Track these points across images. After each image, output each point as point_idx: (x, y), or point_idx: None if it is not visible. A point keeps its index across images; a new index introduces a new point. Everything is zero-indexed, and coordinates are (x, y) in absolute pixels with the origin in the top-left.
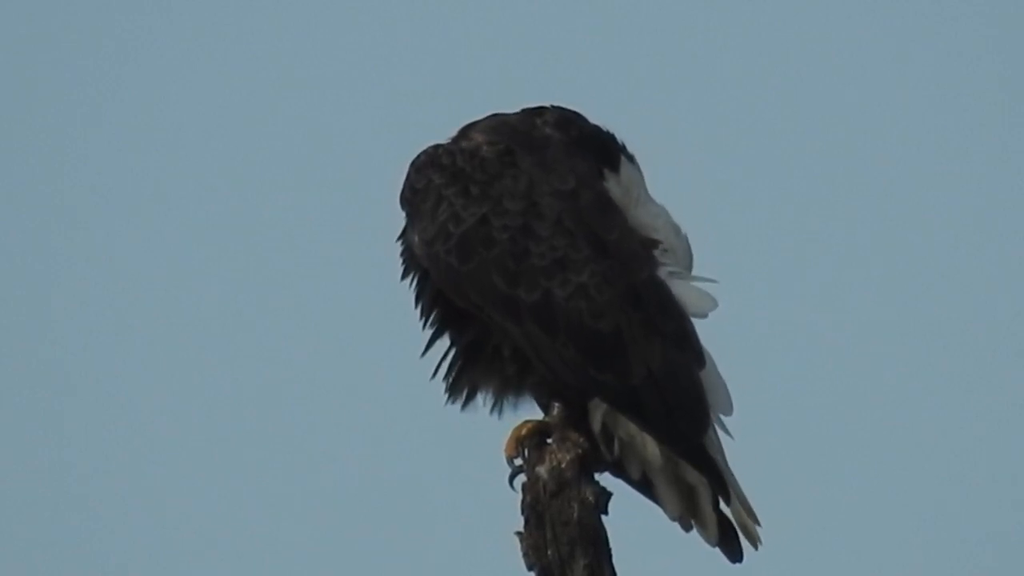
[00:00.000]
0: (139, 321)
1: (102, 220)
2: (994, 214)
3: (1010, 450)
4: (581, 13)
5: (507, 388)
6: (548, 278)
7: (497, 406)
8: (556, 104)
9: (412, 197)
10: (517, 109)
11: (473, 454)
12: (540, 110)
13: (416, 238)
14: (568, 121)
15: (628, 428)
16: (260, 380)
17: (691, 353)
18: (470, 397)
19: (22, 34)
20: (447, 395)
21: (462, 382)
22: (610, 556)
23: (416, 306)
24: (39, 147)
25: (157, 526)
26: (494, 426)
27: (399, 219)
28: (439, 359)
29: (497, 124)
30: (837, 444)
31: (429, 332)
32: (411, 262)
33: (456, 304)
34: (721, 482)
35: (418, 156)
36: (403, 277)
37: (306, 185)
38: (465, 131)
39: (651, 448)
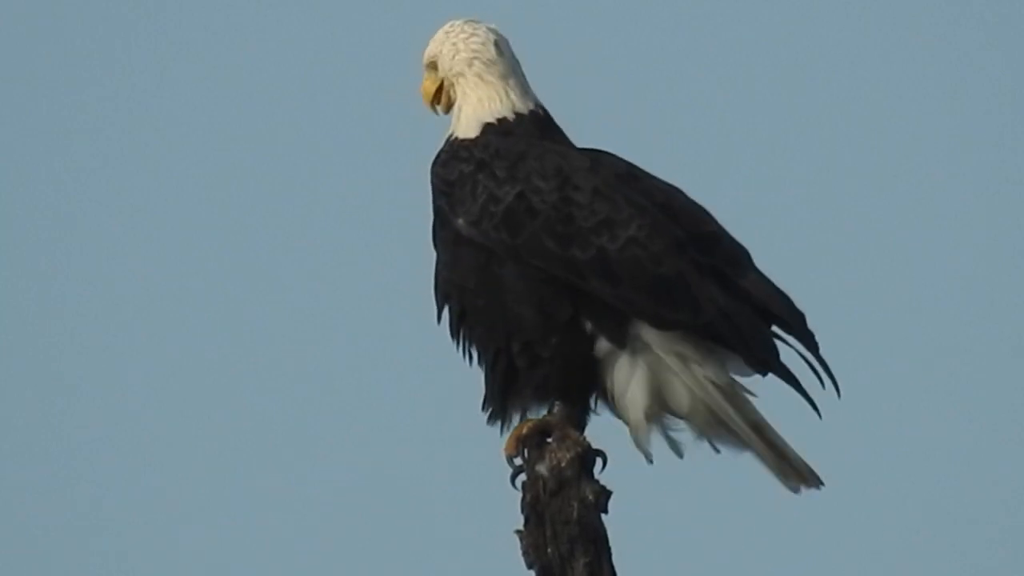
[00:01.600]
0: (139, 321)
1: (102, 220)
2: (995, 215)
3: (1010, 450)
4: (575, 11)
5: (523, 390)
6: (597, 235)
7: (511, 416)
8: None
9: (449, 188)
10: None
11: (473, 453)
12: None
13: (461, 221)
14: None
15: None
16: (260, 380)
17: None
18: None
19: (21, 34)
20: (490, 421)
21: (503, 406)
22: (610, 555)
23: (459, 347)
24: (40, 147)
25: (158, 527)
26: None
27: (397, 222)
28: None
29: (490, 141)
30: (836, 446)
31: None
32: (445, 301)
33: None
34: (805, 395)
35: (437, 157)
36: (439, 319)
37: (305, 185)
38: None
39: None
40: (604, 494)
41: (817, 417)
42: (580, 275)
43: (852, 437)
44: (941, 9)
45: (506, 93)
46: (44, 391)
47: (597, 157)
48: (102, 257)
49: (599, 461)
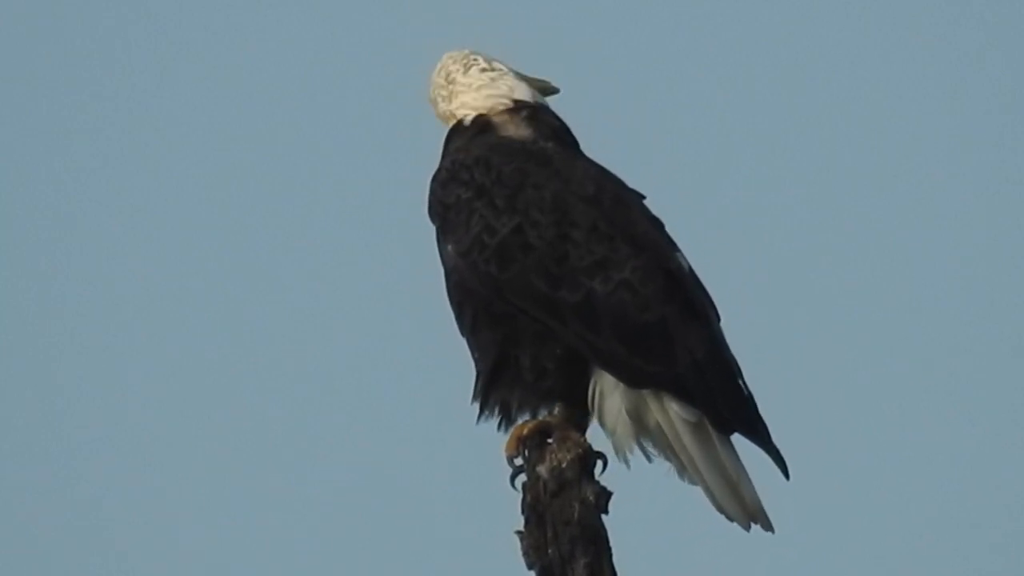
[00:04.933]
0: (139, 322)
1: (102, 220)
2: (994, 218)
3: (1009, 452)
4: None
5: (529, 397)
6: (590, 277)
7: (519, 415)
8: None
9: (444, 212)
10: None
11: (473, 453)
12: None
13: (450, 248)
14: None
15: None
16: (260, 380)
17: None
18: (504, 414)
19: (21, 34)
20: (479, 414)
21: (491, 400)
22: (610, 555)
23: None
24: (41, 147)
25: (158, 527)
26: (494, 424)
27: (398, 221)
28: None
29: (493, 147)
30: (827, 449)
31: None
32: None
33: (496, 310)
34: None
35: (438, 171)
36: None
37: (305, 185)
38: (467, 148)
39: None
40: (604, 495)
41: (785, 479)
42: (561, 319)
43: (855, 431)
44: (941, 9)
45: (504, 86)
46: (44, 391)
47: (601, 183)
48: (102, 257)
49: (599, 462)
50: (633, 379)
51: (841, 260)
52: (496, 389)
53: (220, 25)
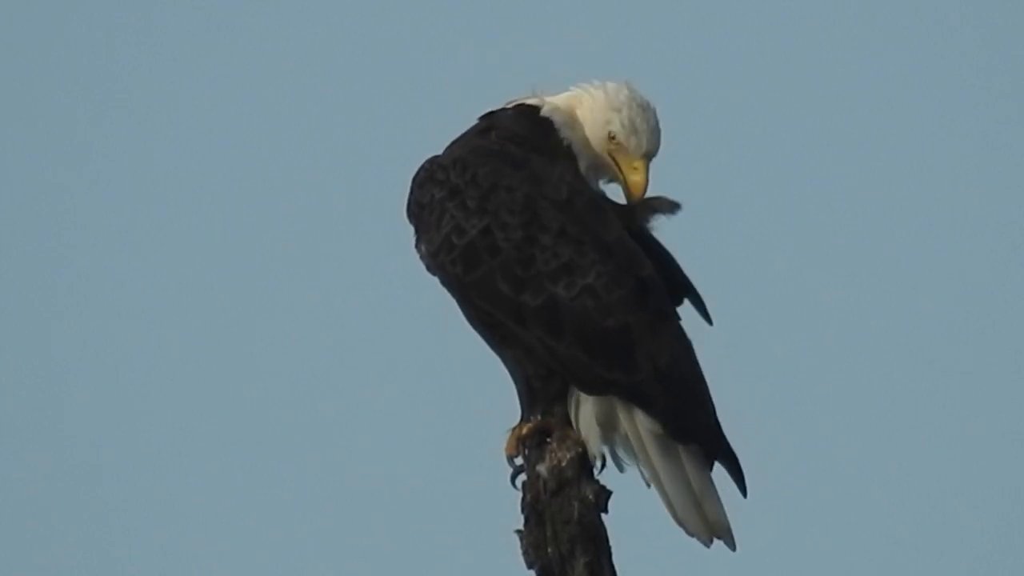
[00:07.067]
0: (139, 321)
1: (102, 220)
2: (993, 219)
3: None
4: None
5: (541, 402)
6: (554, 282)
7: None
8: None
9: (419, 212)
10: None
11: (473, 453)
12: (486, 131)
13: (423, 249)
14: (520, 138)
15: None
16: (260, 380)
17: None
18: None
19: (21, 34)
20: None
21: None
22: (610, 554)
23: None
24: (40, 147)
25: (158, 527)
26: (494, 424)
27: (399, 221)
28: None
29: (473, 149)
30: (825, 449)
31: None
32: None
33: (472, 313)
34: (737, 469)
35: (418, 172)
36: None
37: (306, 185)
38: (452, 148)
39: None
40: (604, 494)
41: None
42: (523, 323)
43: (857, 432)
44: (941, 9)
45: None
46: (44, 391)
47: (577, 187)
48: (102, 257)
49: (599, 461)
50: (592, 386)
51: (831, 261)
52: (534, 402)
53: (220, 25)
